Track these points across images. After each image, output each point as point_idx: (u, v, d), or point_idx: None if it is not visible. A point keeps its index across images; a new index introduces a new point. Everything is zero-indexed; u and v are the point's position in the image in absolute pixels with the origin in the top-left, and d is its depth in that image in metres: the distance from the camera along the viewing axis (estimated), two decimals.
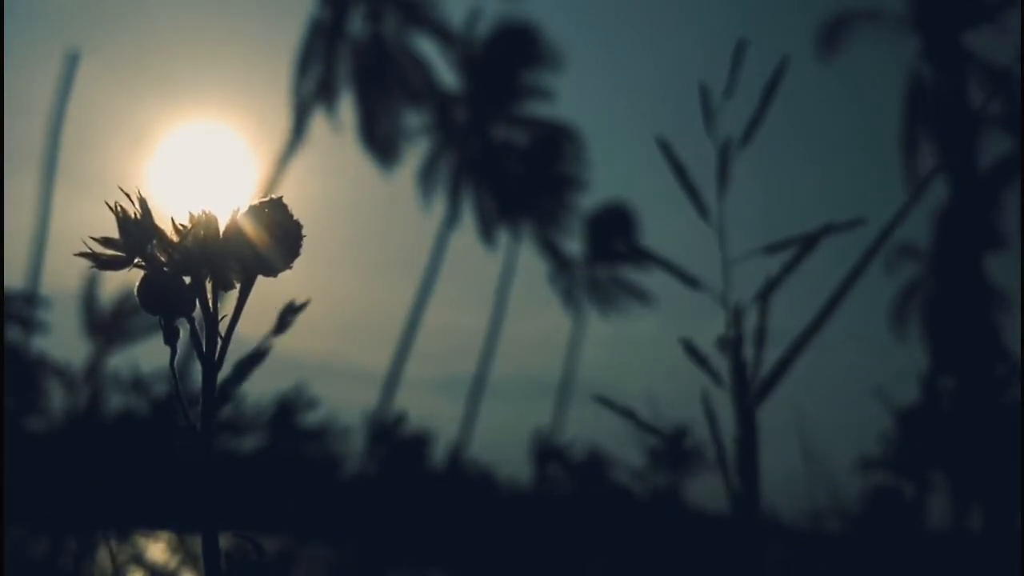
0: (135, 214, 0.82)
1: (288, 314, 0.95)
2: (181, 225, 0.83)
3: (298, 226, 0.84)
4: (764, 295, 1.66)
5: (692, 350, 1.70)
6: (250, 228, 0.83)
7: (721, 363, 1.67)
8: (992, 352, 14.03)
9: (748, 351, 1.65)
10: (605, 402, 1.80)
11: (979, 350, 13.79)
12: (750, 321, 1.67)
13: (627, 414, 1.74)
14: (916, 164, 18.26)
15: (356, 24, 21.91)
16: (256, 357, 0.98)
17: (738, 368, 1.64)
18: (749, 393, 1.65)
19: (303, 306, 0.96)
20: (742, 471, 1.67)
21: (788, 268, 1.67)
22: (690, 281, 1.79)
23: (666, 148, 1.81)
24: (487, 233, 26.80)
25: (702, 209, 1.77)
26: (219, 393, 0.82)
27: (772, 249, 1.69)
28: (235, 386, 0.99)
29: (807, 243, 1.65)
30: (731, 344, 1.66)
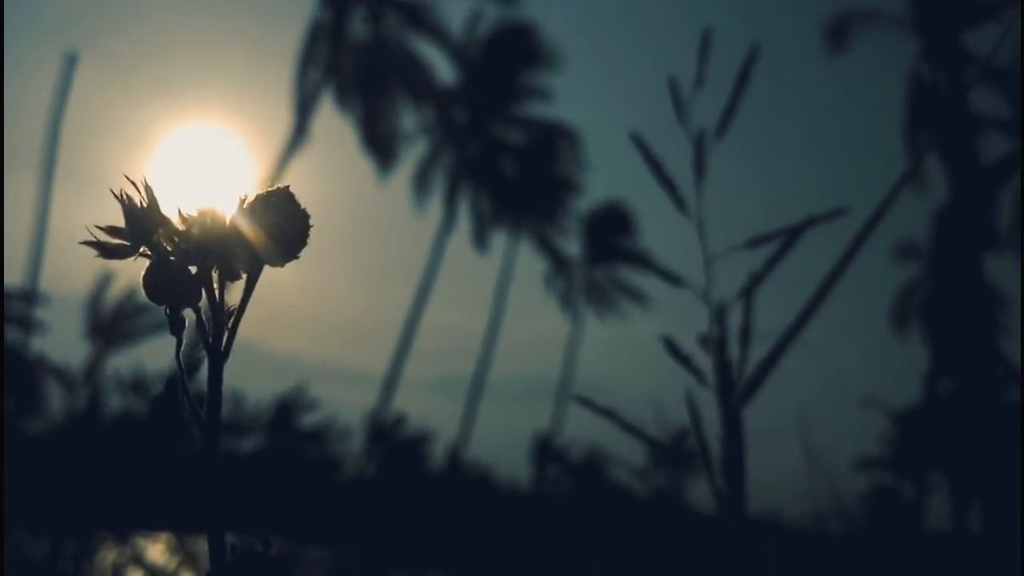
0: (141, 203, 0.81)
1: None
2: (187, 214, 0.83)
3: (306, 215, 0.84)
4: (748, 291, 1.59)
5: (674, 349, 1.62)
6: (257, 217, 0.82)
7: (705, 362, 1.61)
8: (992, 353, 14.03)
9: (732, 349, 1.58)
10: (585, 402, 1.72)
11: (979, 350, 13.79)
12: (735, 319, 1.61)
13: (607, 414, 1.68)
14: (919, 163, 18.25)
15: (356, 26, 21.92)
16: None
17: (722, 367, 1.57)
18: (734, 393, 1.60)
19: None
20: (728, 472, 1.62)
21: (771, 263, 1.59)
22: (672, 279, 1.73)
23: (639, 142, 1.74)
24: (483, 235, 26.80)
25: (680, 202, 1.69)
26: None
27: (754, 243, 1.61)
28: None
29: (790, 236, 1.57)
30: (715, 342, 1.59)
